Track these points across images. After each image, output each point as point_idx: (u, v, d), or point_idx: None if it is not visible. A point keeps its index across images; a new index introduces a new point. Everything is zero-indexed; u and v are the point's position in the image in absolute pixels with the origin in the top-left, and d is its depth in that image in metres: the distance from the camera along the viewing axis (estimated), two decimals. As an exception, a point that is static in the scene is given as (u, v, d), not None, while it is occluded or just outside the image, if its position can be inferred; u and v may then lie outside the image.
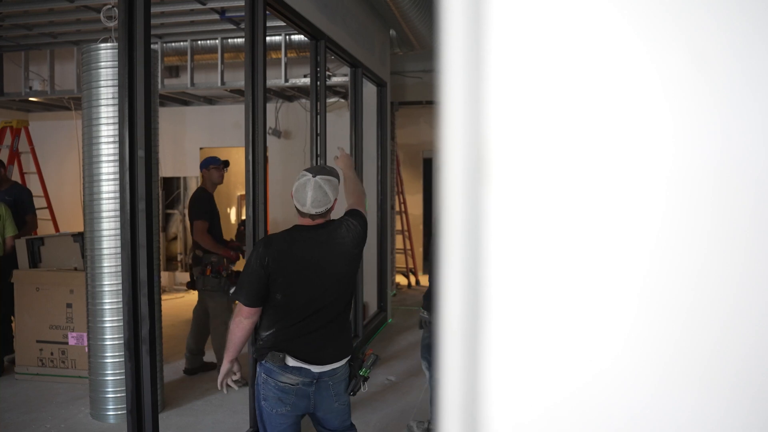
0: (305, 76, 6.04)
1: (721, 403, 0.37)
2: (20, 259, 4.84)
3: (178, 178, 8.24)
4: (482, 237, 0.39)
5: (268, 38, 4.52)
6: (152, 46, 2.83)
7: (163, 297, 5.27)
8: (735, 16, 0.36)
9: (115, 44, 3.32)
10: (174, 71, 7.39)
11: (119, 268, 3.26)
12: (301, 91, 6.90)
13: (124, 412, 2.73)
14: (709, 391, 0.37)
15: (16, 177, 6.32)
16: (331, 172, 2.33)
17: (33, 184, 6.35)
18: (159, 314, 3.66)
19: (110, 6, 4.18)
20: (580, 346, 0.38)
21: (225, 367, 2.35)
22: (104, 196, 3.67)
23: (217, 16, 5.15)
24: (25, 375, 4.47)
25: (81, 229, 4.36)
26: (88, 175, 3.73)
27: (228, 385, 2.39)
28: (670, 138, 0.37)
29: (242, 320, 2.25)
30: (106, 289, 3.70)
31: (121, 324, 2.91)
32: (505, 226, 0.38)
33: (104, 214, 3.67)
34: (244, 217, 4.59)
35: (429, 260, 3.48)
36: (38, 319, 4.45)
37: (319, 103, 4.17)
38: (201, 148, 7.94)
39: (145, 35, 2.54)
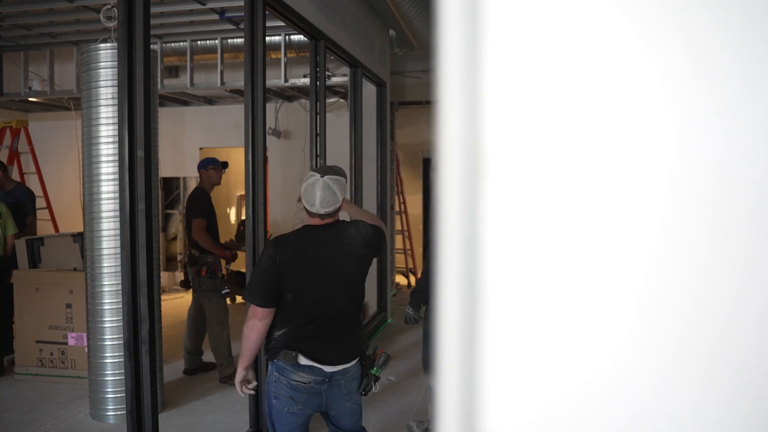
0: (305, 76, 6.04)
1: (721, 403, 0.37)
2: (20, 259, 4.84)
3: (177, 179, 8.24)
4: (479, 235, 0.39)
5: (267, 38, 4.53)
6: (152, 47, 2.83)
7: (163, 297, 5.27)
8: (735, 15, 0.35)
9: (115, 44, 3.32)
10: (173, 71, 7.39)
11: (119, 269, 3.26)
12: (300, 91, 6.90)
13: (124, 412, 2.73)
14: (709, 391, 0.37)
15: (15, 177, 6.31)
16: (339, 172, 2.34)
17: (32, 185, 6.35)
18: (158, 314, 3.66)
19: (110, 6, 4.18)
20: (579, 346, 0.38)
21: (240, 374, 2.35)
22: (104, 196, 3.67)
23: (216, 17, 5.15)
24: (25, 375, 4.46)
25: (81, 230, 4.36)
26: (87, 175, 3.73)
27: (246, 390, 2.39)
28: (670, 138, 0.37)
29: (256, 322, 2.24)
30: (106, 289, 3.70)
31: (121, 324, 2.90)
32: (502, 224, 0.38)
33: (104, 215, 3.67)
34: (243, 217, 4.59)
35: (425, 258, 3.47)
36: (38, 319, 4.45)
37: (318, 103, 4.17)
38: (201, 148, 7.94)
39: (145, 35, 2.54)
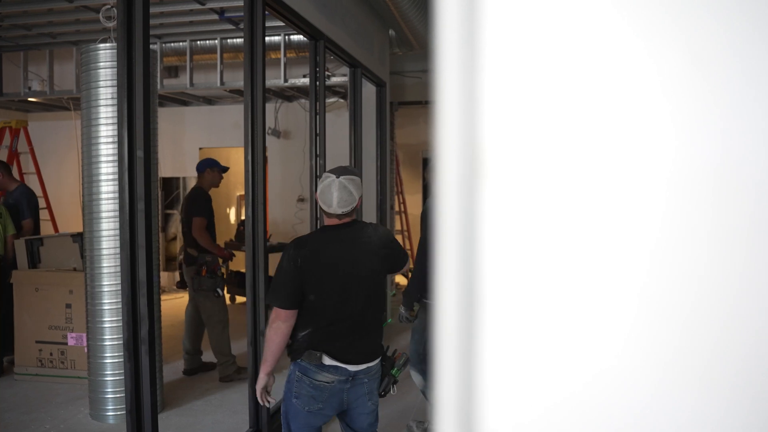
0: (304, 76, 6.04)
1: (721, 403, 0.37)
2: (19, 259, 4.83)
3: (177, 179, 8.24)
4: (477, 236, 0.38)
5: (267, 38, 4.53)
6: (151, 47, 2.82)
7: (163, 297, 5.27)
8: (735, 15, 0.35)
9: (114, 44, 3.32)
10: (173, 71, 7.39)
11: (118, 269, 3.26)
12: (300, 91, 6.90)
13: (124, 412, 2.73)
14: (709, 392, 0.37)
15: (15, 177, 6.31)
16: (354, 172, 2.36)
17: (32, 185, 6.33)
18: (158, 314, 3.66)
19: (109, 6, 4.18)
20: (579, 346, 0.38)
21: (262, 380, 2.34)
22: (103, 196, 3.67)
23: (216, 17, 5.15)
24: (25, 375, 4.46)
25: (80, 230, 4.35)
26: (87, 175, 3.73)
27: (267, 399, 2.38)
28: (670, 138, 0.37)
29: (280, 325, 2.23)
30: (106, 289, 3.70)
31: (121, 324, 2.90)
32: (501, 225, 0.38)
33: (103, 215, 3.67)
34: (243, 217, 4.59)
35: (417, 258, 3.48)
36: (37, 319, 4.45)
37: (318, 103, 4.17)
38: (200, 149, 7.94)
39: (144, 35, 2.54)
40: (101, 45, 3.69)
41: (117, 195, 3.16)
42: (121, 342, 3.26)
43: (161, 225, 7.85)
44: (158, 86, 5.31)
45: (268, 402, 2.40)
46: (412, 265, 3.45)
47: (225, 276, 4.59)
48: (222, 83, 6.12)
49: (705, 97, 0.36)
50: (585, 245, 0.38)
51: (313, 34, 4.10)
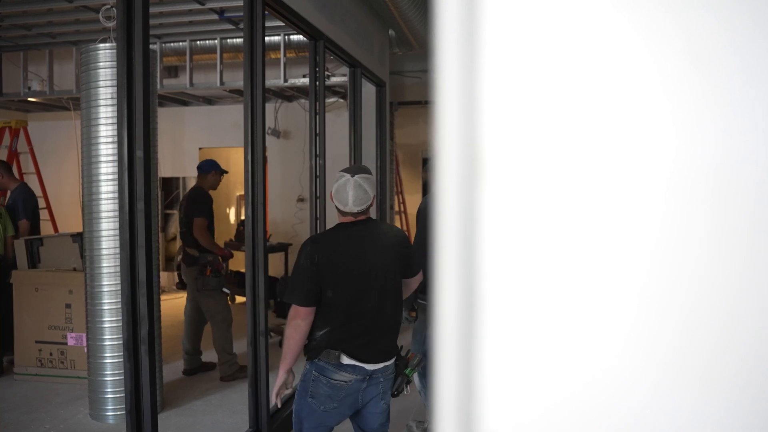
0: (304, 76, 6.04)
1: (721, 403, 0.37)
2: (19, 259, 4.83)
3: (177, 179, 8.24)
4: (477, 236, 0.38)
5: (267, 38, 4.52)
6: (151, 47, 2.82)
7: (162, 297, 5.27)
8: (735, 15, 0.35)
9: (114, 44, 3.32)
10: (173, 71, 7.39)
11: (118, 269, 3.26)
12: (300, 91, 6.89)
13: (123, 412, 2.73)
14: (709, 392, 0.37)
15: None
16: (367, 170, 2.39)
17: (32, 185, 6.32)
18: (158, 314, 3.66)
19: (109, 6, 4.18)
20: (579, 346, 0.38)
21: (281, 377, 2.34)
22: (103, 196, 3.67)
23: (216, 17, 5.15)
24: (24, 375, 4.46)
25: (80, 230, 4.35)
26: (87, 175, 3.73)
27: (282, 396, 2.39)
28: (670, 138, 0.36)
29: (299, 323, 2.24)
30: (105, 289, 3.69)
31: (120, 324, 2.90)
32: (500, 225, 0.38)
33: (103, 215, 3.67)
34: (243, 217, 4.59)
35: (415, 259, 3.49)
36: (37, 319, 4.45)
37: (318, 103, 4.17)
38: (200, 149, 7.94)
39: (144, 35, 2.53)
40: (101, 45, 3.69)
41: (117, 195, 3.16)
42: (120, 342, 3.25)
43: (161, 225, 7.85)
44: (158, 86, 5.31)
45: (280, 404, 2.40)
46: None
47: (227, 275, 4.60)
48: (222, 83, 6.12)
49: (705, 97, 0.36)
50: (585, 245, 0.38)
51: (312, 34, 4.10)
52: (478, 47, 0.38)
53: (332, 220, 4.60)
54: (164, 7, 5.09)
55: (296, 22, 3.82)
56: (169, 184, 8.23)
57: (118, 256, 3.34)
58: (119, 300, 3.16)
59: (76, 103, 6.12)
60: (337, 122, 6.37)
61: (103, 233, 3.67)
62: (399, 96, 7.83)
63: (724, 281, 0.37)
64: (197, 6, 4.85)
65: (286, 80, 6.02)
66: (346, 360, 2.26)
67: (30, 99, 6.83)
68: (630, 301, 0.37)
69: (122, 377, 2.77)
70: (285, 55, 5.94)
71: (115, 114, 3.13)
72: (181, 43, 6.13)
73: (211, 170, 4.67)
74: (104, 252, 3.68)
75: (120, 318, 2.88)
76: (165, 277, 7.97)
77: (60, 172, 7.70)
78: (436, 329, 0.41)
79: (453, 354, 0.40)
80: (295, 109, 7.57)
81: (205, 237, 4.48)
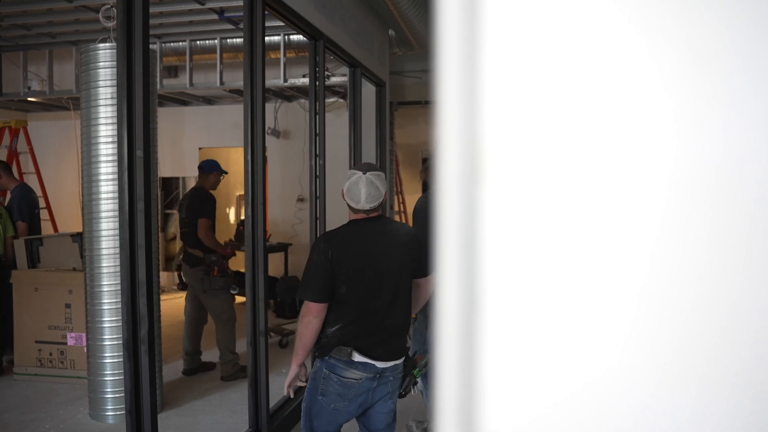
0: (304, 76, 6.04)
1: (721, 403, 0.37)
2: (19, 259, 4.83)
3: (177, 179, 8.23)
4: (478, 236, 0.38)
5: (267, 38, 4.52)
6: (151, 46, 2.82)
7: (162, 297, 5.27)
8: (736, 14, 0.35)
9: (114, 44, 3.32)
10: (173, 71, 7.39)
11: (118, 269, 3.26)
12: (300, 91, 6.89)
13: (123, 412, 2.72)
14: (709, 392, 0.37)
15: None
16: (378, 168, 2.40)
17: (32, 184, 6.32)
18: (158, 314, 3.66)
19: (109, 6, 4.18)
20: (579, 347, 0.38)
21: (294, 371, 2.36)
22: (103, 196, 3.67)
23: (215, 16, 5.15)
24: (24, 375, 4.46)
25: (80, 230, 4.35)
26: (86, 175, 3.73)
27: (293, 388, 2.41)
28: (671, 137, 0.36)
29: (312, 320, 2.25)
30: (105, 289, 3.69)
31: (120, 324, 2.90)
32: (501, 224, 0.38)
33: (103, 215, 3.67)
34: (243, 217, 4.60)
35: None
36: (37, 319, 4.45)
37: (318, 103, 4.17)
38: (200, 149, 7.94)
39: (144, 35, 2.53)
40: (101, 45, 3.69)
41: (116, 195, 3.16)
42: (120, 342, 3.25)
43: (160, 225, 7.85)
44: (158, 86, 5.31)
45: (292, 394, 2.42)
46: None
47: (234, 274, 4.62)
48: (222, 83, 6.12)
49: (706, 96, 0.36)
50: (585, 245, 0.38)
51: (312, 34, 4.10)
52: (479, 46, 0.38)
53: (332, 219, 4.61)
54: (164, 7, 5.09)
55: (296, 22, 3.82)
56: (169, 184, 8.23)
57: (117, 256, 3.34)
58: (119, 300, 3.16)
59: (76, 103, 6.12)
60: (337, 122, 6.37)
61: (103, 233, 3.67)
62: (399, 96, 7.83)
63: (724, 281, 0.37)
64: (197, 6, 4.85)
65: (286, 80, 6.02)
66: (357, 357, 2.26)
67: (30, 99, 6.82)
68: (630, 301, 0.37)
69: (122, 377, 2.77)
70: (285, 55, 5.93)
71: (115, 114, 3.13)
72: (181, 43, 6.12)
73: (213, 170, 4.68)
74: (104, 252, 3.68)
75: (120, 318, 2.88)
76: (165, 277, 7.97)
77: (60, 171, 7.69)
78: (437, 329, 0.41)
79: (454, 354, 0.40)
80: (295, 109, 7.57)
81: (211, 238, 4.50)
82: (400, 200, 8.48)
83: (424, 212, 3.29)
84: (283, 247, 7.08)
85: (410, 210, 9.09)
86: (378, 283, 2.30)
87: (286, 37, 5.88)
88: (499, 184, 0.38)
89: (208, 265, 4.49)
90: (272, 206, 7.60)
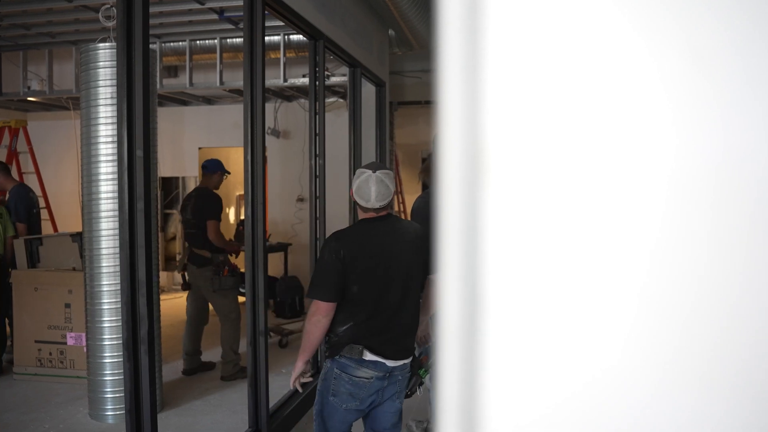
0: (304, 76, 6.03)
1: (721, 403, 0.37)
2: (19, 259, 4.82)
3: (176, 178, 8.23)
4: (480, 236, 0.38)
5: (266, 38, 4.52)
6: (151, 46, 2.82)
7: (162, 297, 5.27)
8: (736, 14, 0.35)
9: (114, 44, 3.32)
10: (173, 71, 7.39)
11: (118, 268, 3.25)
12: (299, 91, 6.89)
13: (123, 412, 2.73)
14: (709, 392, 0.37)
15: (14, 177, 6.29)
16: (386, 166, 2.41)
17: (31, 184, 6.33)
18: (157, 314, 3.66)
19: (109, 6, 4.18)
20: (579, 347, 0.38)
21: (299, 368, 2.37)
22: (103, 196, 3.66)
23: (215, 16, 5.15)
24: (24, 375, 4.46)
25: (79, 229, 4.35)
26: (86, 175, 3.73)
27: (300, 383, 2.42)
28: (671, 137, 0.37)
29: (321, 319, 2.24)
30: (105, 289, 3.69)
31: (120, 324, 2.90)
32: (503, 225, 0.38)
33: (103, 214, 3.67)
34: (242, 217, 4.61)
35: None
36: (37, 319, 4.45)
37: (317, 103, 4.17)
38: (200, 148, 7.93)
39: (144, 35, 2.53)
40: (101, 44, 3.69)
41: (116, 194, 3.16)
42: (120, 342, 3.25)
43: (160, 225, 7.85)
44: (158, 86, 5.31)
45: (300, 387, 2.44)
46: None
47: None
48: (221, 83, 6.12)
49: (706, 96, 0.36)
50: (585, 245, 0.38)
51: (312, 33, 4.10)
52: (481, 46, 0.38)
53: (332, 219, 4.61)
54: (164, 7, 5.09)
55: (296, 22, 3.82)
56: (169, 183, 8.22)
57: (117, 255, 3.34)
58: (119, 300, 3.16)
59: (76, 102, 6.12)
60: (337, 122, 6.36)
61: (103, 233, 3.67)
62: (399, 96, 7.82)
63: (724, 281, 0.37)
64: (197, 6, 4.85)
65: (285, 80, 6.02)
66: (368, 356, 2.27)
67: (29, 98, 6.82)
68: (630, 301, 0.37)
69: (122, 377, 2.77)
70: (285, 54, 5.93)
71: (115, 114, 3.13)
72: (180, 43, 6.12)
73: (217, 170, 4.69)
74: (104, 252, 3.68)
75: (119, 318, 2.88)
76: (164, 277, 7.97)
77: (59, 171, 7.69)
78: (439, 329, 0.41)
79: (455, 354, 0.40)
80: (294, 108, 7.57)
81: (221, 238, 4.53)
82: (400, 200, 8.48)
83: (422, 212, 3.29)
84: (282, 247, 7.08)
85: (410, 210, 9.08)
86: (388, 282, 2.30)
87: (286, 36, 5.88)
88: (500, 184, 0.38)
89: (218, 265, 4.50)
90: (272, 206, 7.60)
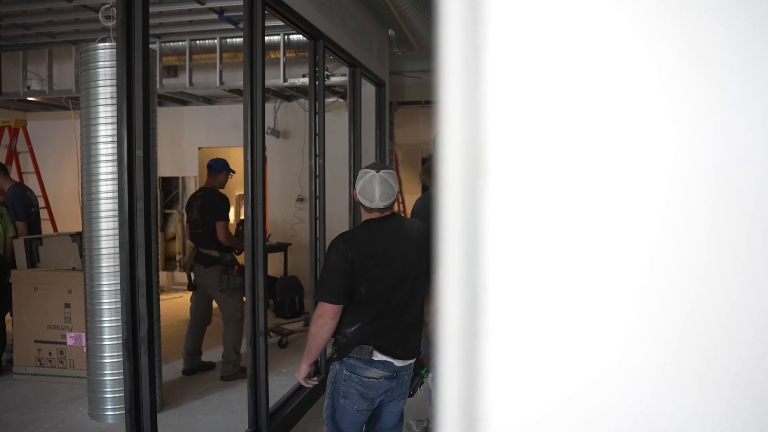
0: (304, 76, 6.04)
1: (721, 403, 0.37)
2: (18, 259, 4.82)
3: (176, 178, 8.23)
4: (480, 236, 0.38)
5: (266, 38, 4.52)
6: (151, 46, 2.82)
7: (162, 297, 5.27)
8: (735, 14, 0.35)
9: (114, 44, 3.32)
10: (172, 71, 7.39)
11: (117, 268, 3.26)
12: (299, 91, 6.89)
13: (123, 412, 2.73)
14: (709, 391, 0.37)
15: (14, 177, 6.29)
16: (389, 166, 2.41)
17: (31, 184, 6.33)
18: (157, 314, 3.66)
19: (108, 6, 4.18)
20: (580, 346, 0.38)
21: (304, 370, 2.37)
22: (102, 195, 3.66)
23: (215, 16, 5.15)
24: (24, 375, 4.46)
25: (79, 229, 4.35)
26: (86, 174, 3.73)
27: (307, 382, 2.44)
28: (670, 137, 0.37)
29: (328, 321, 2.24)
30: (105, 289, 3.69)
31: (120, 324, 2.90)
32: (503, 225, 0.38)
33: (102, 214, 3.67)
34: (242, 217, 4.61)
35: None
36: (36, 319, 4.44)
37: (317, 103, 4.17)
38: (200, 148, 7.93)
39: (144, 35, 2.53)
40: (100, 44, 3.69)
41: (116, 194, 3.16)
42: (120, 341, 3.25)
43: (160, 224, 7.85)
44: (158, 86, 5.31)
45: (315, 383, 2.45)
46: None
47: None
48: (221, 83, 6.12)
49: (705, 96, 0.36)
50: (586, 245, 0.38)
51: (312, 33, 4.10)
52: (482, 47, 0.38)
53: (332, 219, 4.61)
54: (164, 7, 5.09)
55: (296, 22, 3.82)
56: (169, 183, 8.22)
57: (117, 255, 3.34)
58: (118, 299, 3.16)
59: (76, 102, 6.12)
60: (337, 122, 6.37)
61: (103, 233, 3.67)
62: (399, 96, 7.82)
63: (724, 281, 0.37)
64: (197, 6, 4.85)
65: (285, 80, 6.02)
66: (377, 356, 2.27)
67: (29, 98, 6.82)
68: (630, 301, 0.37)
69: (121, 377, 2.77)
70: (285, 54, 5.93)
71: (115, 113, 3.13)
72: (180, 43, 6.12)
73: (223, 170, 4.69)
74: (103, 251, 3.68)
75: (119, 317, 2.88)
76: (164, 277, 7.97)
77: (59, 171, 7.69)
78: (440, 329, 0.41)
79: (456, 354, 0.40)
80: (294, 108, 7.57)
81: (231, 238, 4.54)
82: (400, 200, 8.48)
83: (423, 213, 3.29)
84: (282, 247, 7.08)
85: (410, 210, 9.07)
86: (396, 281, 2.31)
87: (286, 36, 5.88)
88: (501, 184, 0.38)
89: (227, 264, 4.51)
90: (272, 206, 7.60)
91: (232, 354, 4.51)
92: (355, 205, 5.00)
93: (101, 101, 3.65)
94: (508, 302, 0.38)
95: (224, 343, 4.55)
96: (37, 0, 4.93)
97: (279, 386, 3.97)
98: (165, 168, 7.66)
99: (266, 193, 4.05)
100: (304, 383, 2.42)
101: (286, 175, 7.63)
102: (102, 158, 3.65)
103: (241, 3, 3.32)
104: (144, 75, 2.53)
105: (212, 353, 4.78)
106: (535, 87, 0.38)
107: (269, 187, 7.38)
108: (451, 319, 0.40)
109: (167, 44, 6.16)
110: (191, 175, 8.06)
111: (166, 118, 7.36)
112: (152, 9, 4.11)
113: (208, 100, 7.78)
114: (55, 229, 6.56)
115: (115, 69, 2.95)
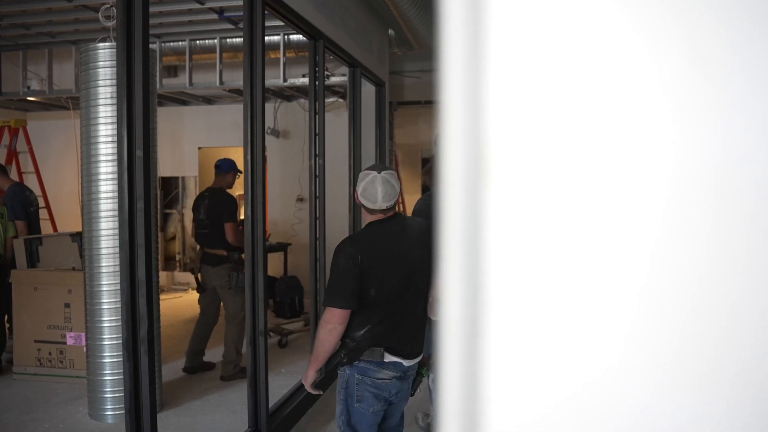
0: (304, 76, 6.04)
1: (721, 403, 0.37)
2: (18, 259, 4.82)
3: (176, 178, 8.23)
4: (482, 236, 0.38)
5: (266, 38, 4.52)
6: (151, 46, 2.82)
7: (162, 297, 5.27)
8: (735, 14, 0.35)
9: (114, 44, 3.31)
10: (172, 71, 7.39)
11: (117, 268, 3.26)
12: (299, 91, 6.89)
13: (123, 412, 2.73)
14: (709, 391, 0.37)
15: (14, 177, 6.29)
16: (390, 167, 2.41)
17: (31, 184, 6.33)
18: (157, 314, 3.66)
19: (108, 5, 4.18)
20: (580, 346, 0.38)
21: (311, 377, 2.34)
22: (102, 195, 3.66)
23: (215, 16, 5.15)
24: (23, 375, 4.46)
25: (79, 229, 4.35)
26: (86, 174, 3.73)
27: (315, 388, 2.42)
28: (670, 137, 0.37)
29: (336, 326, 2.22)
30: (105, 288, 3.69)
31: (120, 324, 2.90)
32: (504, 225, 0.38)
33: (102, 214, 3.67)
34: (242, 217, 4.61)
35: None
36: (36, 319, 4.44)
37: (317, 103, 4.17)
38: (199, 148, 7.93)
39: (144, 35, 2.53)
40: (100, 44, 3.69)
41: (116, 194, 3.16)
42: (120, 341, 3.25)
43: (160, 224, 7.85)
44: (157, 86, 5.31)
45: (321, 392, 2.44)
46: None
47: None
48: (221, 83, 6.12)
49: (705, 96, 0.36)
50: (586, 245, 0.38)
51: (312, 33, 4.10)
52: (484, 47, 0.38)
53: (332, 219, 4.60)
54: (164, 7, 5.09)
55: (296, 22, 3.82)
56: (169, 183, 8.22)
57: (117, 255, 3.34)
58: (118, 299, 3.16)
59: (76, 102, 6.12)
60: (337, 122, 6.37)
61: (103, 232, 3.67)
62: (398, 96, 7.82)
63: (724, 281, 0.37)
64: (197, 6, 4.85)
65: (285, 80, 6.02)
66: (388, 357, 2.28)
67: (29, 98, 6.82)
68: (631, 301, 0.38)
69: (121, 377, 2.77)
70: (284, 54, 5.93)
71: (115, 113, 3.13)
72: (180, 43, 6.12)
73: (231, 170, 4.70)
74: (103, 251, 3.68)
75: (119, 317, 2.88)
76: (164, 277, 7.97)
77: (59, 171, 7.69)
78: (441, 329, 0.41)
79: (457, 354, 0.40)
80: (294, 108, 7.57)
81: (240, 238, 4.54)
82: (400, 200, 8.48)
83: (424, 213, 3.29)
84: (282, 247, 7.08)
85: (410, 210, 9.07)
86: (402, 281, 2.31)
87: (286, 36, 5.88)
88: (502, 184, 0.38)
89: (236, 262, 4.51)
90: (272, 206, 7.60)
91: (233, 353, 4.51)
92: (355, 206, 5.01)
93: (101, 101, 3.65)
94: (508, 302, 0.38)
95: (226, 342, 4.55)
96: (37, 0, 4.93)
97: (279, 386, 3.97)
98: (165, 168, 7.67)
99: (266, 193, 4.05)
100: (310, 390, 2.39)
101: (286, 175, 7.63)
102: (102, 158, 3.65)
103: (241, 3, 3.32)
104: (144, 75, 2.53)
105: (213, 353, 4.78)
106: (536, 87, 0.38)
107: (269, 187, 7.39)
108: (452, 319, 0.40)
109: (167, 44, 6.16)
110: (191, 175, 8.06)
111: (166, 118, 7.36)
112: (152, 9, 4.11)
113: (208, 100, 7.78)
114: (55, 228, 6.56)
115: (115, 69, 2.95)
